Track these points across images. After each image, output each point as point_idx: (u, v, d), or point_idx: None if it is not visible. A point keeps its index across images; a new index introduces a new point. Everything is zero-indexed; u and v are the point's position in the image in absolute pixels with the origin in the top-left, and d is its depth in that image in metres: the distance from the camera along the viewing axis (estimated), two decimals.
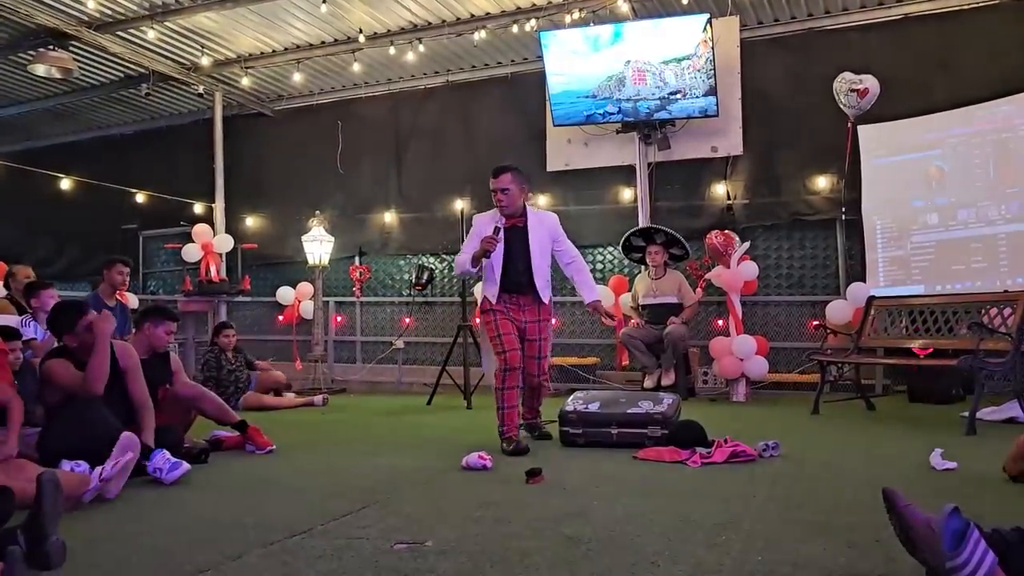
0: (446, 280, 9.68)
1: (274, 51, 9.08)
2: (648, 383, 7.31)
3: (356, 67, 9.05)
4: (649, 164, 8.41)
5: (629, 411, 4.71)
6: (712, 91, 7.77)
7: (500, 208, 4.60)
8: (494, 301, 4.64)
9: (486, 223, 4.64)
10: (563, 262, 4.85)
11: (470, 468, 4.01)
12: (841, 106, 7.46)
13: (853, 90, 7.33)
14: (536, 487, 3.62)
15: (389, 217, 9.85)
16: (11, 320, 5.25)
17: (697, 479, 3.76)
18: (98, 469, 3.42)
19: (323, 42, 8.85)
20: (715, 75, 7.71)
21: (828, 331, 6.84)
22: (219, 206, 10.07)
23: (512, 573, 2.37)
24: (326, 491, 3.60)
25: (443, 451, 4.56)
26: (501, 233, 4.53)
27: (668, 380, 7.22)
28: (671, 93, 7.91)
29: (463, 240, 7.83)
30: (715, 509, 3.11)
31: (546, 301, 4.72)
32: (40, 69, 8.23)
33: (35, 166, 9.18)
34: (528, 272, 4.62)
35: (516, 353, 4.56)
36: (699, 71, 7.73)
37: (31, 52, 8.30)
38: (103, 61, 9.11)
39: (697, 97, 7.85)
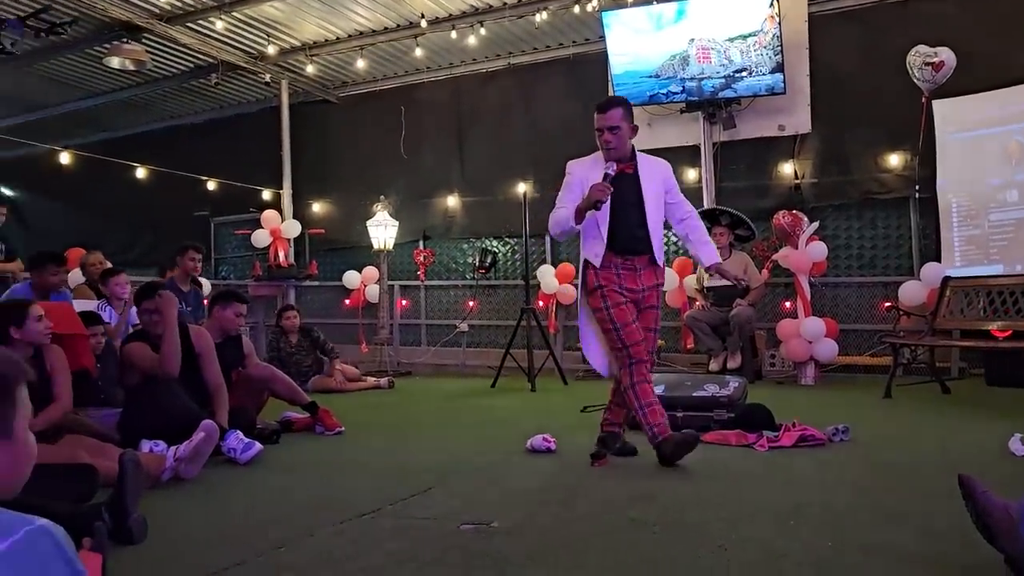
0: (509, 263, 9.70)
1: (338, 38, 9.18)
2: (714, 366, 7.23)
3: (418, 52, 9.09)
4: (714, 144, 8.27)
5: (694, 394, 4.67)
6: (779, 68, 7.59)
7: (608, 151, 3.74)
8: (598, 264, 3.76)
9: (586, 170, 3.82)
10: (676, 217, 3.95)
11: (535, 451, 4.03)
12: (915, 80, 7.20)
13: (927, 63, 7.07)
14: (601, 470, 3.62)
15: (452, 201, 9.90)
16: (90, 305, 5.46)
17: (764, 463, 3.71)
18: (173, 449, 3.55)
19: (385, 28, 8.91)
20: (782, 51, 7.52)
21: (901, 313, 6.65)
22: (286, 192, 10.27)
23: (578, 555, 2.38)
24: (393, 472, 3.67)
25: (507, 433, 4.60)
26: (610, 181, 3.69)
27: (734, 363, 7.12)
28: (736, 71, 7.75)
29: (526, 223, 7.99)
30: (783, 494, 3.07)
31: (661, 263, 3.89)
32: (115, 62, 8.47)
33: (111, 156, 9.48)
34: (643, 227, 3.77)
35: (642, 344, 3.74)
36: (765, 48, 7.55)
37: (106, 45, 8.55)
38: (174, 52, 9.34)
39: (763, 74, 7.67)
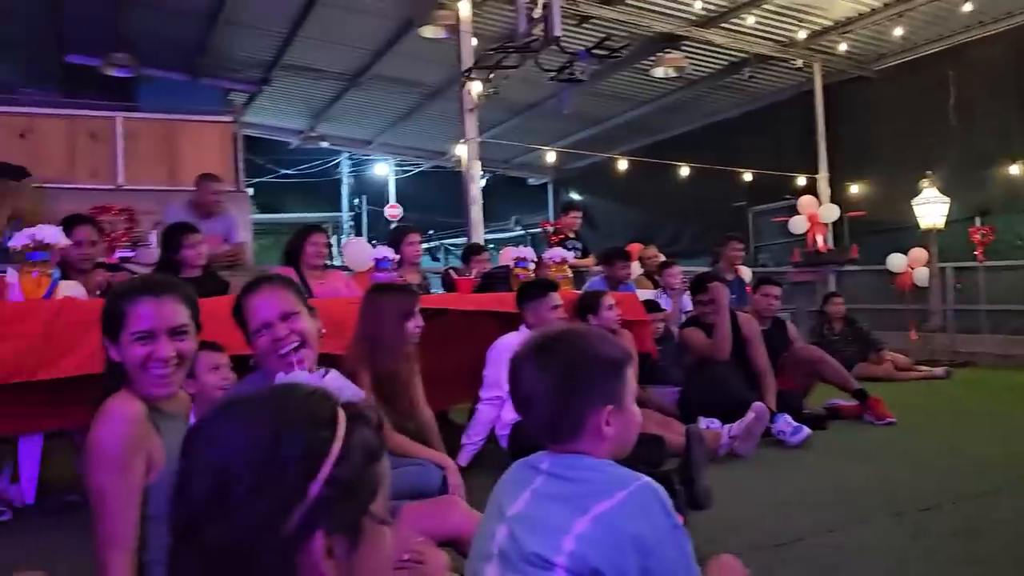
0: None
1: (872, 10, 8.74)
2: None
3: (967, 7, 8.19)
4: None
5: None
6: None
7: None
8: None
9: None
10: None
11: None
12: None
13: None
14: None
15: (1016, 169, 8.70)
16: (649, 294, 6.12)
17: None
18: (727, 427, 3.84)
19: None
20: None
21: None
22: (823, 176, 10.14)
23: None
24: (953, 468, 3.46)
25: None
26: None
27: None
28: None
29: None
30: None
31: None
32: (659, 71, 9.27)
33: (657, 158, 10.41)
34: None
35: None
36: None
37: (651, 58, 9.41)
38: (709, 54, 9.87)
39: None
